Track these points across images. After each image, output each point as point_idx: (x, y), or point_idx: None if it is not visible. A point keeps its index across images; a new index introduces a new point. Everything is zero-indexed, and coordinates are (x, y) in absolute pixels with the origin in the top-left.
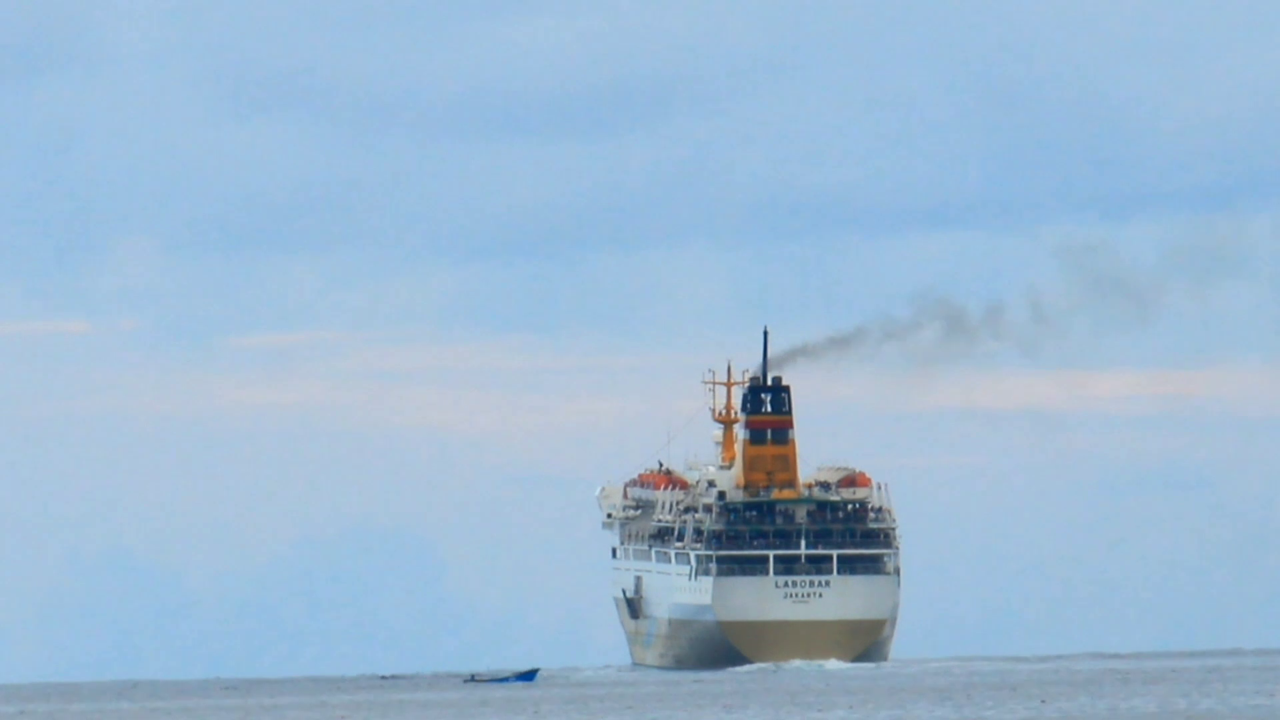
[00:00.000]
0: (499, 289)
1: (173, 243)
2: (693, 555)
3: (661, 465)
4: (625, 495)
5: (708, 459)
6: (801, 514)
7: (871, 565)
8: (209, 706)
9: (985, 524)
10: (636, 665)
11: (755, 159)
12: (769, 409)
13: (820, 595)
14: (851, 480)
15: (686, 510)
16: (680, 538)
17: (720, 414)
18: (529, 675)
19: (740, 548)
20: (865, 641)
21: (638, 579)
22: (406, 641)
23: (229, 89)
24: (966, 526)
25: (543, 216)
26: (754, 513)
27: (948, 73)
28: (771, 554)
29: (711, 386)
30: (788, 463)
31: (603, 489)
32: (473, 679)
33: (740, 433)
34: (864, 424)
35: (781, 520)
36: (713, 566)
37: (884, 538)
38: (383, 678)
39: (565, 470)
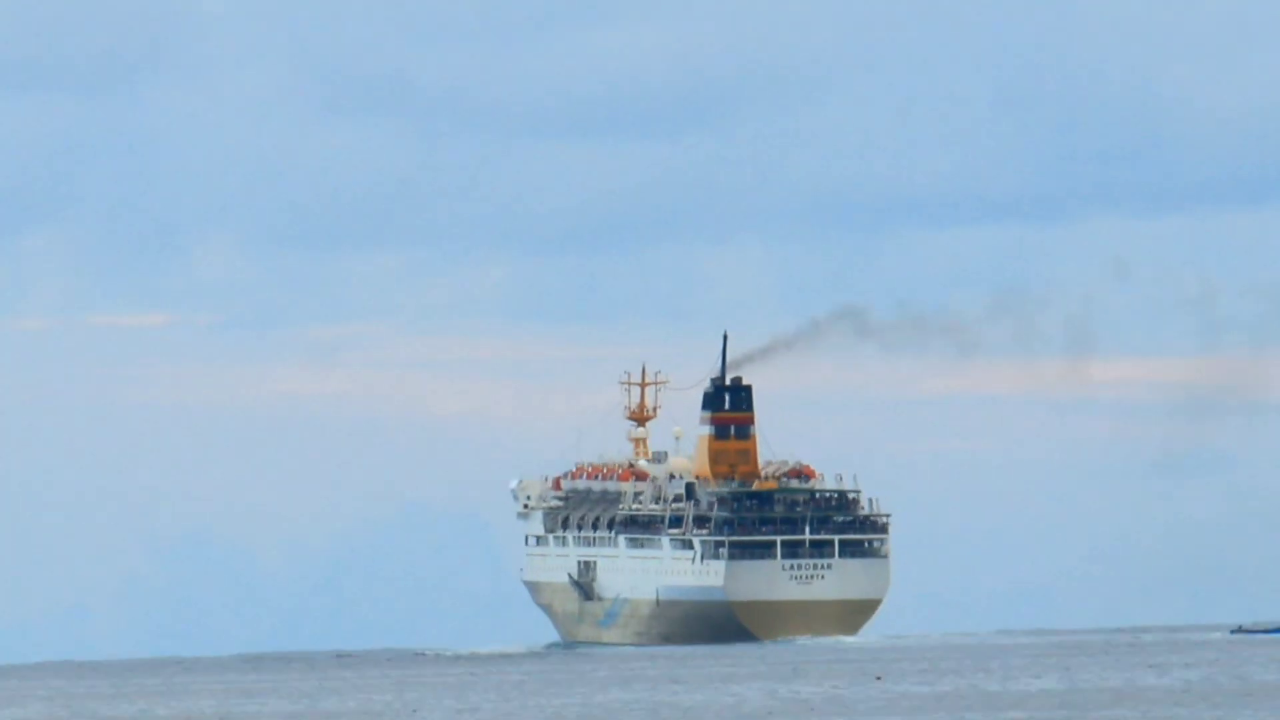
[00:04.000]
0: (556, 281)
1: (251, 239)
2: (697, 540)
3: (579, 467)
4: (557, 486)
5: (616, 456)
6: (803, 502)
7: (868, 549)
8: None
9: (964, 508)
10: (580, 643)
11: (809, 158)
12: (730, 406)
13: (823, 577)
14: (799, 473)
15: (675, 500)
16: (674, 525)
17: (634, 412)
18: None
19: (750, 534)
20: (862, 619)
21: (587, 563)
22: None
23: (316, 92)
24: (949, 511)
25: (597, 211)
26: (754, 501)
27: (997, 72)
28: (779, 539)
29: (628, 387)
30: (749, 456)
31: (520, 481)
32: (1239, 630)
33: (704, 428)
34: (853, 411)
35: (782, 508)
36: (723, 551)
37: (878, 524)
38: (339, 655)
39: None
